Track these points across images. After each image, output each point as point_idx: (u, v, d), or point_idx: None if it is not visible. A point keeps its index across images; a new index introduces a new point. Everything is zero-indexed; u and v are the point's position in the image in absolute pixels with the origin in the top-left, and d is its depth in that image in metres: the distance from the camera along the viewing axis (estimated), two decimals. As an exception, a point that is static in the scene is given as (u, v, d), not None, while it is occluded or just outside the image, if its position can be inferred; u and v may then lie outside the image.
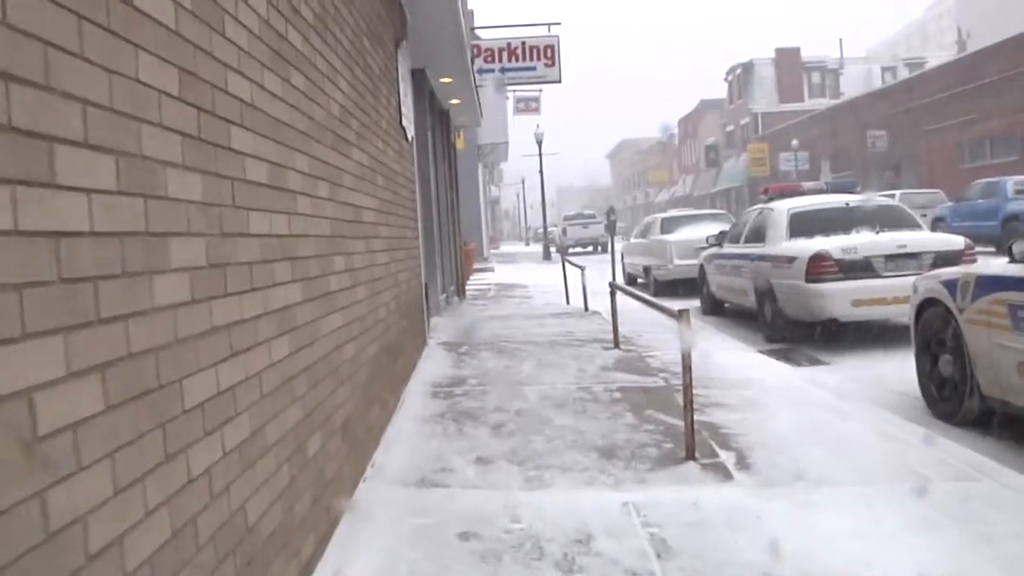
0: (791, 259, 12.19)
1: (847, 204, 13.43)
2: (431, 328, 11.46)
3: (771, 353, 11.54)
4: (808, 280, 11.72)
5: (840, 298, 11.54)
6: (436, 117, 15.25)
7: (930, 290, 7.91)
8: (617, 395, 7.60)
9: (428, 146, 13.50)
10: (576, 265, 15.46)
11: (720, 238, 16.14)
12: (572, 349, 9.94)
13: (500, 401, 7.53)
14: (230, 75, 3.46)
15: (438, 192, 15.00)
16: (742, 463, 5.99)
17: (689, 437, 5.84)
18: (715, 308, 16.23)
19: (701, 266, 16.99)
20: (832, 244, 11.93)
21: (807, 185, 15.48)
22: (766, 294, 12.92)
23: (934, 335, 7.82)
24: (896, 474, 5.71)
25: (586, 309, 13.96)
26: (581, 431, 6.53)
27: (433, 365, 9.19)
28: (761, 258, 13.25)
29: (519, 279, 24.90)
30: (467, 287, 21.84)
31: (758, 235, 13.92)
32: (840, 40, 67.56)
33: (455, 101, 16.26)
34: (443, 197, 15.93)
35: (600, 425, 6.70)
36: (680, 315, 6.08)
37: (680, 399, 6.27)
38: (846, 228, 12.55)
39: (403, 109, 9.08)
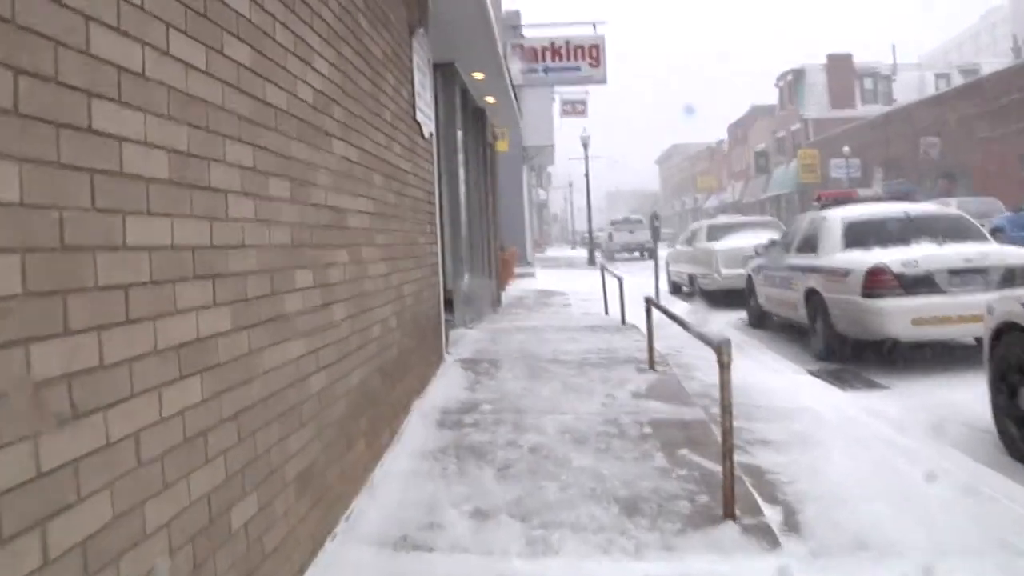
0: (846, 272, 11.08)
1: (906, 213, 12.29)
2: (452, 342, 10.46)
3: (822, 374, 10.46)
4: (865, 295, 10.62)
5: (900, 316, 10.44)
6: (469, 115, 14.28)
7: (1009, 313, 6.82)
8: (647, 429, 6.54)
9: (457, 145, 12.52)
10: (614, 275, 14.37)
11: (770, 247, 15.01)
12: (602, 370, 8.88)
13: (513, 434, 6.50)
14: (93, 29, 2.48)
15: (469, 194, 14.02)
16: (791, 523, 4.93)
17: (728, 492, 4.77)
18: (763, 321, 15.11)
19: (749, 276, 15.87)
20: (891, 257, 10.81)
21: (862, 192, 14.29)
22: (818, 309, 11.82)
23: (1014, 364, 6.72)
24: (983, 542, 4.63)
25: (623, 322, 12.88)
26: (602, 476, 5.49)
27: (446, 386, 8.19)
28: (813, 270, 12.14)
29: (559, 286, 23.84)
30: (505, 294, 20.84)
31: (810, 245, 12.81)
32: (893, 46, 65.89)
33: (490, 99, 15.27)
34: (476, 200, 14.93)
35: (625, 468, 5.65)
36: (720, 349, 5.01)
37: (720, 434, 5.23)
38: (905, 239, 11.44)
39: (418, 102, 8.10)
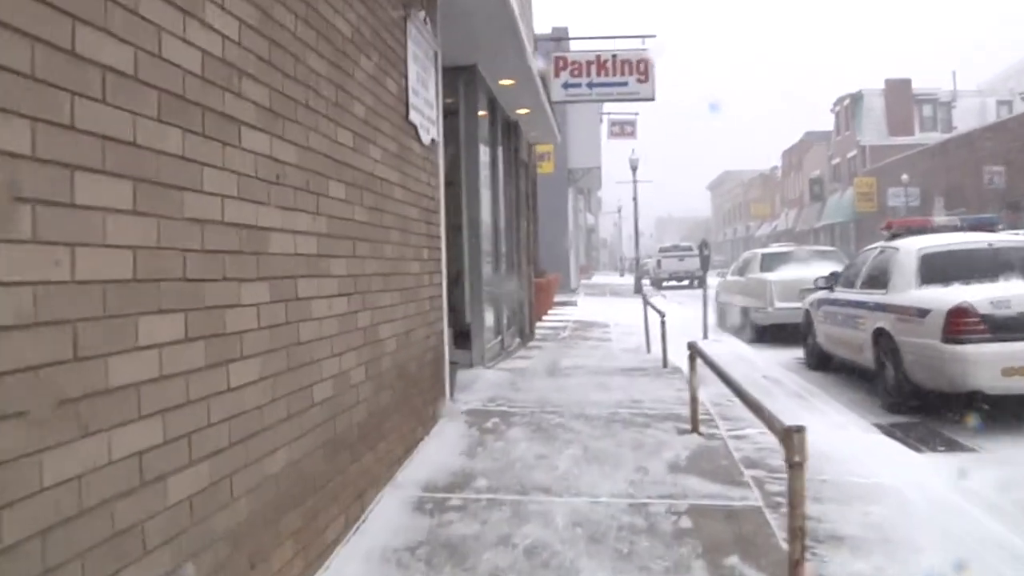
0: (923, 312, 9.43)
1: (990, 244, 10.59)
2: (462, 387, 8.93)
3: (895, 431, 8.82)
4: (946, 340, 8.98)
5: (987, 365, 8.81)
6: (498, 128, 12.78)
7: None
8: (685, 523, 4.94)
9: (479, 159, 11.01)
10: (656, 309, 12.70)
11: (831, 280, 13.30)
12: (634, 431, 7.26)
13: (510, 525, 4.94)
14: None
15: (496, 215, 12.51)
16: None
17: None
18: (822, 362, 13.42)
19: (807, 311, 14.17)
20: (977, 295, 9.16)
21: (938, 220, 12.57)
22: (888, 353, 10.17)
23: None
24: None
25: (664, 364, 11.24)
26: (618, 603, 3.92)
27: (439, 450, 6.63)
28: (883, 308, 10.48)
29: (601, 316, 22.20)
30: (540, 325, 19.27)
31: (879, 279, 11.15)
32: (953, 72, 63.64)
33: (523, 110, 13.73)
34: (505, 221, 13.41)
35: (650, 590, 4.08)
36: (788, 439, 3.44)
37: (782, 529, 3.67)
38: (991, 275, 9.77)
39: (413, 99, 6.60)
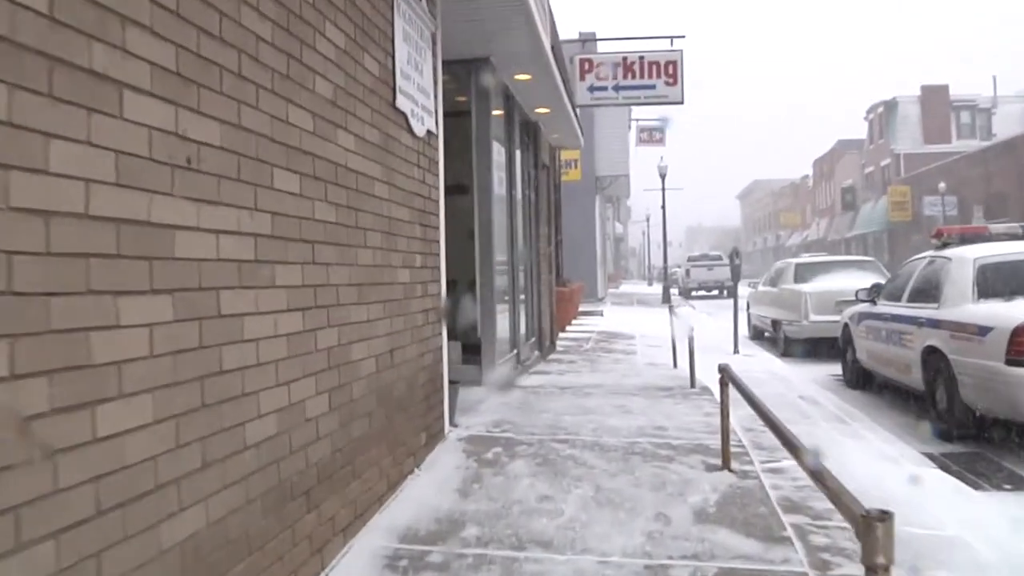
0: (983, 329, 8.44)
1: (1055, 255, 9.60)
2: (465, 409, 8.02)
3: (950, 464, 7.82)
4: (1010, 362, 7.98)
5: (1059, 391, 7.84)
6: (516, 128, 11.85)
7: None
8: (714, 595, 4.01)
9: (492, 158, 10.09)
10: (684, 324, 11.71)
11: (873, 293, 12.30)
12: (656, 466, 6.28)
13: (496, 594, 4.03)
14: None
15: (512, 221, 11.60)
16: None
17: None
18: (862, 381, 12.43)
19: (846, 325, 13.17)
20: (1045, 311, 8.21)
21: (996, 228, 11.54)
22: (940, 374, 9.19)
23: None
24: None
25: (692, 384, 10.26)
26: None
27: (429, 485, 5.70)
28: (935, 324, 9.49)
29: (627, 327, 21.20)
30: (563, 336, 18.33)
31: (929, 292, 10.15)
32: (994, 77, 62.08)
33: (542, 109, 12.79)
34: (522, 228, 12.49)
35: None
36: (868, 529, 2.49)
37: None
38: (1057, 289, 8.83)
39: (401, 83, 5.70)
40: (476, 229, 9.80)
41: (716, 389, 10.38)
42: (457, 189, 11.02)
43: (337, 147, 4.52)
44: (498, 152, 10.71)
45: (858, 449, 8.14)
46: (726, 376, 5.95)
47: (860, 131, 68.08)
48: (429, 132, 6.44)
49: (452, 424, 7.28)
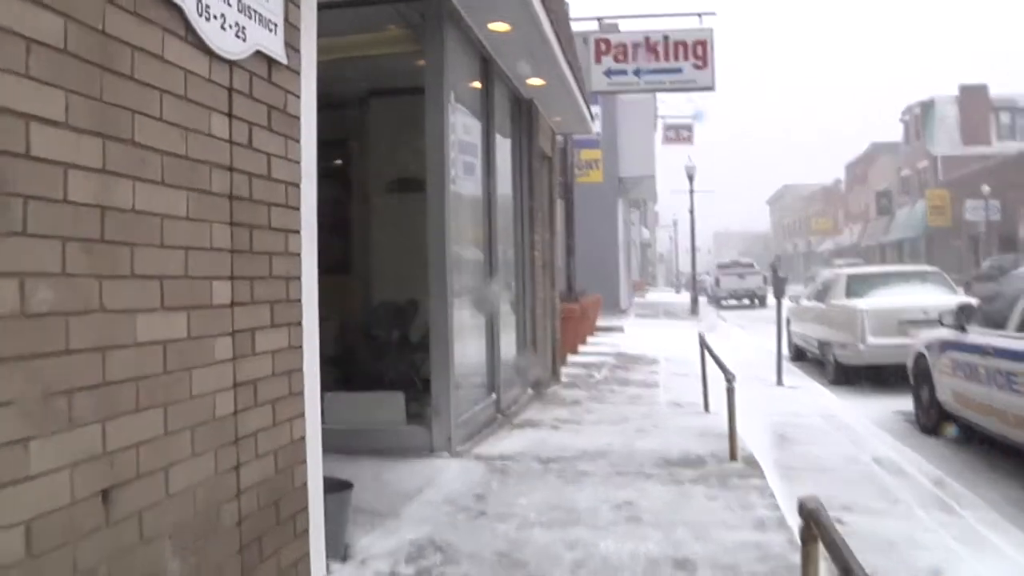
0: None
1: None
2: (376, 518, 5.12)
3: None
4: None
5: None
6: (494, 102, 8.86)
7: None
8: None
9: (445, 134, 7.09)
10: (722, 367, 8.37)
11: (963, 317, 9.26)
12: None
13: None
14: None
15: (491, 222, 8.68)
16: None
17: None
18: (942, 426, 9.42)
19: (920, 355, 10.12)
20: None
21: None
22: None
23: None
24: None
25: (732, 455, 7.11)
26: None
27: None
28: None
29: (650, 346, 18.17)
30: (573, 360, 15.35)
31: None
32: (1035, 78, 58.43)
33: (535, 81, 9.79)
34: (504, 233, 9.54)
35: None
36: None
37: None
38: None
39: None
40: (431, 236, 6.93)
41: (763, 456, 7.46)
42: (409, 185, 8.12)
43: None
44: (465, 130, 7.81)
45: (984, 560, 5.24)
46: (815, 527, 2.95)
47: (895, 133, 65.08)
48: (269, 59, 3.55)
49: (340, 557, 4.38)
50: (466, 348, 7.70)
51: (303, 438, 3.84)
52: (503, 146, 9.47)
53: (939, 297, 13.25)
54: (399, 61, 8.26)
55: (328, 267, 9.69)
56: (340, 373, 8.73)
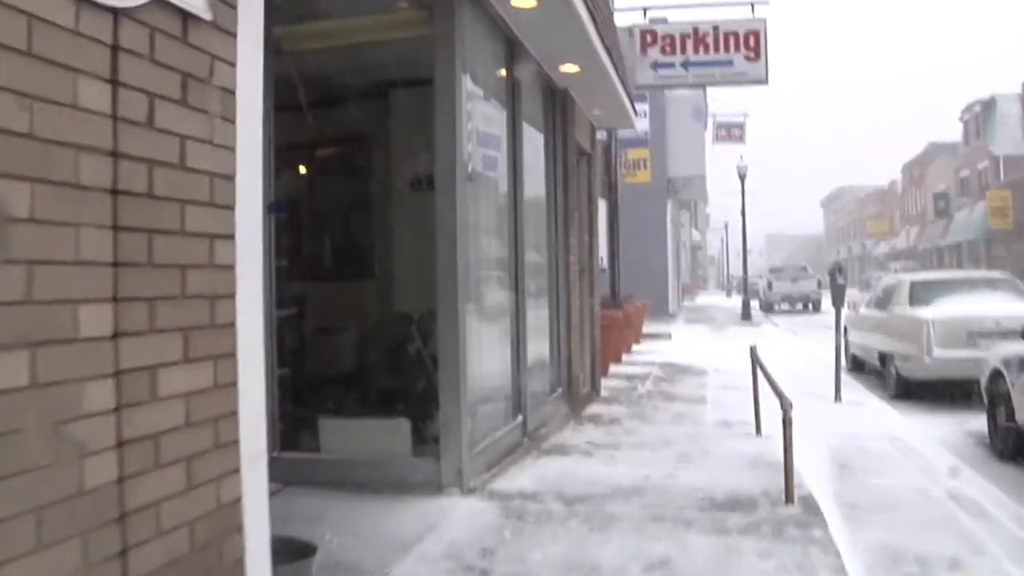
0: None
1: None
2: (369, 569, 4.29)
3: None
4: None
5: None
6: (520, 90, 7.96)
7: None
8: None
9: (459, 118, 6.18)
10: (776, 389, 7.29)
11: (1051, 329, 8.24)
12: None
13: None
14: None
15: (517, 222, 7.81)
16: None
17: None
18: (1019, 451, 8.41)
19: (996, 372, 9.08)
20: None
21: None
22: None
23: None
24: None
25: (788, 497, 6.07)
26: None
27: None
28: None
29: (698, 356, 17.14)
30: (615, 370, 14.43)
31: None
32: (1101, 74, 56.44)
33: (569, 67, 8.82)
34: (534, 234, 8.67)
35: None
36: None
37: None
38: None
39: None
40: (440, 238, 6.08)
41: (823, 490, 6.51)
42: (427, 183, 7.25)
43: None
44: (485, 120, 6.92)
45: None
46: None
47: (954, 132, 62.96)
48: (176, 9, 2.71)
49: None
50: (486, 365, 6.83)
51: (238, 500, 2.99)
52: (533, 140, 8.59)
53: (1012, 306, 12.18)
54: (420, 48, 7.44)
55: (347, 273, 8.98)
56: (358, 391, 7.94)
